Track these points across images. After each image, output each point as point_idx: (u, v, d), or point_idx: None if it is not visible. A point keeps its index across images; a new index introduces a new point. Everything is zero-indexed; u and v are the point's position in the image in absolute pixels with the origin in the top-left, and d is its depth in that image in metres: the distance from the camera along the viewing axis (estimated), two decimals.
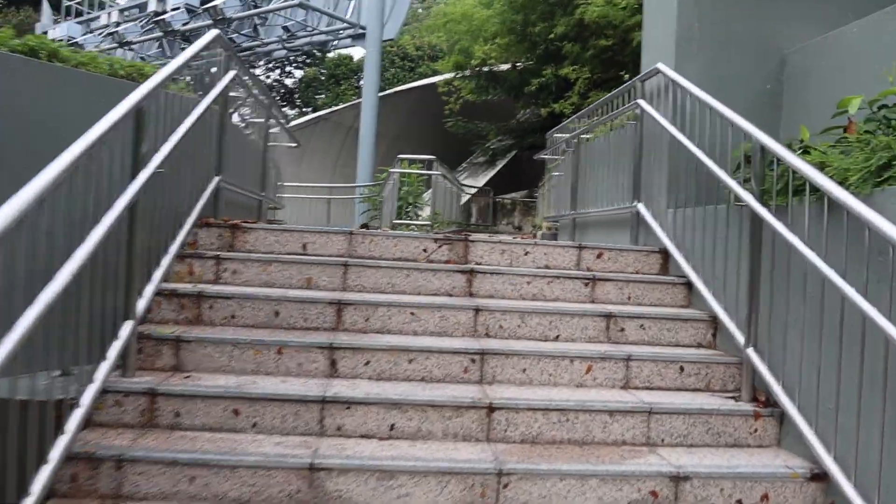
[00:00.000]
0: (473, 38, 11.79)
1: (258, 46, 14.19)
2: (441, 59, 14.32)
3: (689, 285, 3.34)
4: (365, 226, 3.56)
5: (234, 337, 2.61)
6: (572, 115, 5.74)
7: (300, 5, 12.84)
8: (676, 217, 3.51)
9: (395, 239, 3.42)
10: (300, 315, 2.88)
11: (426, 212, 8.87)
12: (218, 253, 3.13)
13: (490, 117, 13.77)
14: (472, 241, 3.47)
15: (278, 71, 32.39)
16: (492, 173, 15.26)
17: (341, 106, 20.66)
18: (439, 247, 3.42)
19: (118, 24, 12.89)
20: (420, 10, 27.57)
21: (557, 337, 2.98)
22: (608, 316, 3.01)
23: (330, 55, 29.38)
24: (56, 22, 14.50)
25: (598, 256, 3.56)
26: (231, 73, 3.51)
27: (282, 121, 5.37)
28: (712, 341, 3.08)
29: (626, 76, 7.96)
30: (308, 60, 30.74)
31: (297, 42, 14.16)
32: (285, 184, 9.43)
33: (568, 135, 5.73)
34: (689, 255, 3.31)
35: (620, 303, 3.29)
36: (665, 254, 3.59)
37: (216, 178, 3.57)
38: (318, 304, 2.88)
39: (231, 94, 3.87)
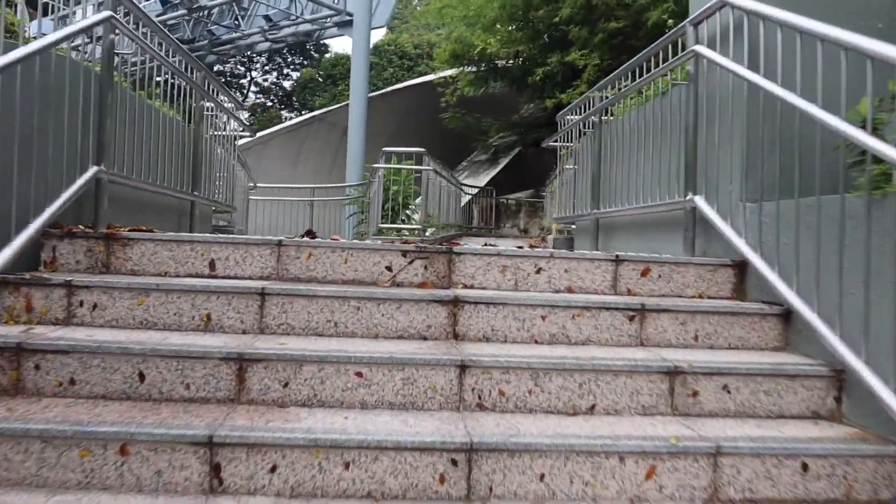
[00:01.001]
0: (471, 25, 10.71)
1: (239, 39, 13.17)
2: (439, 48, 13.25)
3: (785, 316, 2.24)
4: (310, 233, 2.46)
5: (46, 426, 1.52)
6: (592, 88, 4.62)
7: None
8: (761, 214, 2.39)
9: (346, 252, 2.33)
10: (179, 378, 1.79)
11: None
12: (70, 278, 2.04)
13: (491, 112, 12.67)
14: (459, 255, 2.37)
15: (275, 73, 31.61)
16: (494, 172, 14.14)
17: (335, 105, 19.65)
18: (410, 262, 2.32)
19: None
20: (419, 8, 26.65)
21: (593, 408, 1.88)
22: (672, 372, 1.91)
23: (327, 55, 28.52)
24: (32, 18, 13.52)
25: (644, 274, 2.45)
26: (104, 14, 2.42)
27: (228, 105, 4.29)
28: (836, 409, 1.96)
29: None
30: (305, 62, 29.92)
31: (281, 33, 13.11)
32: (259, 185, 8.38)
33: (583, 115, 4.63)
34: (788, 270, 2.20)
35: (684, 346, 2.18)
36: (741, 267, 2.49)
37: (93, 169, 2.49)
38: (209, 359, 1.80)
39: (129, 55, 2.81)
